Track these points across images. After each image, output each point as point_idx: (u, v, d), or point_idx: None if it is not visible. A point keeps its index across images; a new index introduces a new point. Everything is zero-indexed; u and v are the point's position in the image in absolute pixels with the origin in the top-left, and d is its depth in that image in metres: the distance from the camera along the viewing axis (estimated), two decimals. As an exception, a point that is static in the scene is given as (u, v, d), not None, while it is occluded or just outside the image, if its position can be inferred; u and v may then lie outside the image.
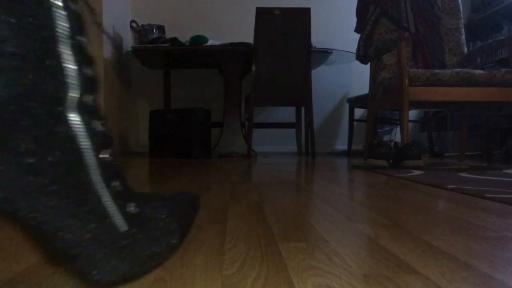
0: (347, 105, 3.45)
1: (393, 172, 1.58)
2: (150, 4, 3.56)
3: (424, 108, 2.68)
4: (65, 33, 0.27)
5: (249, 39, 2.93)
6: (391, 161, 1.86)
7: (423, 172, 1.58)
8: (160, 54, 2.94)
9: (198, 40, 2.88)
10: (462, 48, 2.41)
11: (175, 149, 2.76)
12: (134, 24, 3.04)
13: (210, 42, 2.89)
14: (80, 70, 0.28)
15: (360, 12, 2.50)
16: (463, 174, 1.47)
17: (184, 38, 3.06)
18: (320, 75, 3.65)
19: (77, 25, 0.28)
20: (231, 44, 2.85)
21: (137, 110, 3.56)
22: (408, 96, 1.92)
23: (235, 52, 2.87)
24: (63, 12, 0.27)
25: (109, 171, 0.30)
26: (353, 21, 2.64)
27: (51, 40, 0.27)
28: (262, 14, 2.63)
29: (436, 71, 1.96)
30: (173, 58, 3.04)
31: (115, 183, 0.31)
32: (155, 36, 2.98)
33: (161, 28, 3.10)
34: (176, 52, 2.89)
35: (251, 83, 2.67)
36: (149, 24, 3.03)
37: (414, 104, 2.22)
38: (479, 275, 0.39)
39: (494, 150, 2.91)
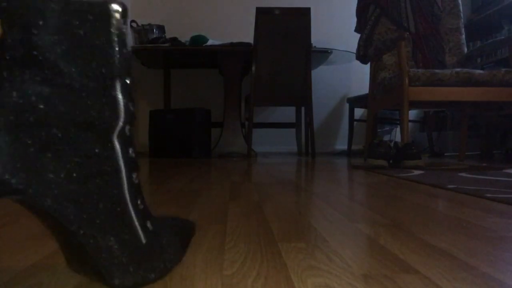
0: (347, 105, 3.45)
1: (393, 172, 1.58)
2: (150, 4, 3.56)
3: (424, 108, 2.68)
4: (119, 73, 0.34)
5: (249, 39, 2.93)
6: (391, 161, 1.86)
7: (423, 172, 1.58)
8: (160, 54, 2.94)
9: (198, 40, 2.88)
10: (462, 48, 2.41)
11: (175, 149, 2.76)
12: (134, 24, 3.04)
13: (210, 42, 2.89)
14: (126, 104, 0.35)
15: (360, 12, 2.50)
16: (463, 174, 1.47)
17: (184, 38, 3.06)
18: (320, 75, 3.65)
19: (127, 67, 0.35)
20: (231, 44, 2.85)
21: (137, 110, 3.56)
22: (408, 96, 1.92)
23: (235, 52, 2.87)
24: (118, 56, 0.34)
25: (136, 192, 0.36)
26: (353, 21, 2.64)
27: (111, 77, 0.34)
28: (262, 14, 2.63)
29: (436, 71, 1.96)
30: (173, 58, 3.03)
31: (139, 202, 0.36)
32: (155, 36, 2.98)
33: (161, 28, 3.10)
34: (176, 52, 2.89)
35: (251, 83, 2.67)
36: (149, 24, 3.03)
37: (414, 104, 2.22)
38: (479, 275, 0.39)
39: (494, 150, 2.91)
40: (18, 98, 0.30)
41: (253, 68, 2.66)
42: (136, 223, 0.36)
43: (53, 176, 0.31)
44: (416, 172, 1.58)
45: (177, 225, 0.42)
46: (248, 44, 2.81)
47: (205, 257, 0.45)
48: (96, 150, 0.33)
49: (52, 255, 0.46)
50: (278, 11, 2.64)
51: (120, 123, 0.34)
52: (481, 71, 1.98)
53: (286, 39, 2.67)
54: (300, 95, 2.72)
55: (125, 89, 0.35)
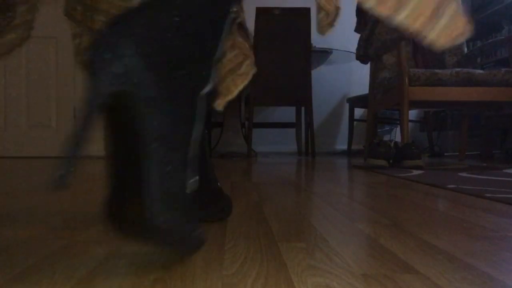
0: (347, 105, 3.45)
1: (393, 172, 1.58)
2: (150, 4, 3.56)
3: (424, 108, 2.68)
4: (216, 58, 0.44)
5: (249, 39, 2.92)
6: (391, 161, 1.86)
7: (423, 172, 1.58)
8: (160, 54, 2.93)
9: (198, 40, 2.88)
10: (462, 48, 2.41)
11: (175, 149, 2.75)
12: (134, 24, 3.03)
13: (210, 42, 2.89)
14: (214, 81, 0.42)
15: (360, 12, 2.49)
16: (463, 174, 1.47)
17: (184, 38, 3.06)
18: (320, 75, 3.64)
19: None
20: (231, 44, 2.84)
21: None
22: (408, 96, 1.92)
23: (235, 52, 2.86)
24: (221, 43, 0.44)
25: (204, 143, 0.43)
26: (353, 21, 2.64)
27: (212, 56, 0.42)
28: (262, 14, 2.63)
29: (436, 70, 1.96)
30: (173, 58, 3.03)
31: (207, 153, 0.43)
32: (155, 36, 2.97)
33: (161, 28, 3.10)
34: (176, 52, 2.88)
35: (251, 83, 2.67)
36: (149, 24, 3.03)
37: (414, 104, 2.22)
38: (479, 275, 0.39)
39: (494, 150, 2.91)
40: (148, 30, 0.36)
41: (253, 68, 2.66)
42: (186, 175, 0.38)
43: (157, 89, 0.35)
44: (416, 172, 1.58)
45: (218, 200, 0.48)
46: (248, 44, 2.81)
47: (205, 257, 0.45)
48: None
49: (52, 255, 0.46)
50: (278, 11, 2.64)
51: (207, 88, 0.40)
52: (481, 71, 1.98)
53: (286, 39, 2.67)
54: (300, 95, 2.72)
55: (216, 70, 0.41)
